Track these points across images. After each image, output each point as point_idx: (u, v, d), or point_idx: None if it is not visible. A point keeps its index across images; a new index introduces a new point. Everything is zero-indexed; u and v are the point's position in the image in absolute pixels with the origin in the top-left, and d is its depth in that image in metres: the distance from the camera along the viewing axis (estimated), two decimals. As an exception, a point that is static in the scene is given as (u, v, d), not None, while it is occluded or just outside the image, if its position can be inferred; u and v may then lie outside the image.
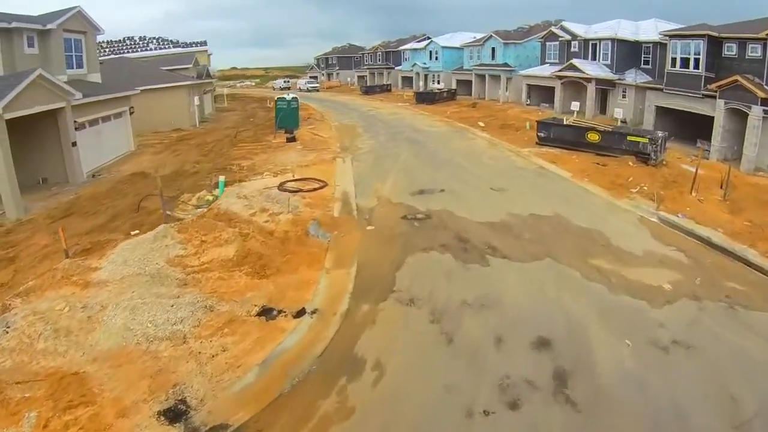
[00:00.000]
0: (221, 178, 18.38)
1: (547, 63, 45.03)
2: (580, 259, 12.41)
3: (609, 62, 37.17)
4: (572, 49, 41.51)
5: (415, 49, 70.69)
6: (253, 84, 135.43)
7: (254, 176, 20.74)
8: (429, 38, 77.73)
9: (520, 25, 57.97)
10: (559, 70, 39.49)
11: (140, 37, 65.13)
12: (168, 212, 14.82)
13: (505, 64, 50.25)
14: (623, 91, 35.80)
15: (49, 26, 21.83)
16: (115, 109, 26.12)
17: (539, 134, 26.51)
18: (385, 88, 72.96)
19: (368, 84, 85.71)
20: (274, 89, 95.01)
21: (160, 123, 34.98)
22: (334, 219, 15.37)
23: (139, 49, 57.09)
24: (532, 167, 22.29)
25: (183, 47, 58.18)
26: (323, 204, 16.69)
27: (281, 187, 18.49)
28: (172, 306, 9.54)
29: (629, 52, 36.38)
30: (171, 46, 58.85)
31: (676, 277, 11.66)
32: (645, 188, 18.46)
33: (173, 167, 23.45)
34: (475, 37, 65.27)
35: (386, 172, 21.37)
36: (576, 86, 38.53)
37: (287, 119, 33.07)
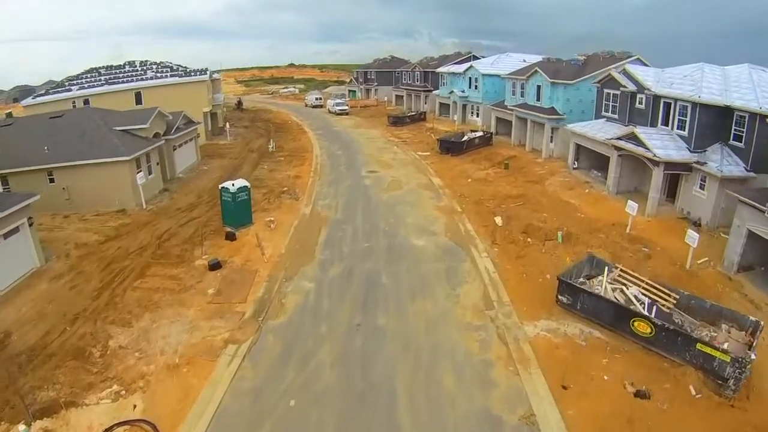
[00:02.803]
0: None
1: (604, 117, 34.82)
2: None
3: (686, 133, 26.79)
4: (637, 104, 31.22)
5: (454, 74, 61.26)
6: (297, 91, 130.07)
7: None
8: (473, 55, 68.32)
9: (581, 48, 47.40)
10: (617, 137, 29.35)
11: (141, 62, 59.87)
12: None
13: (552, 110, 40.24)
14: (701, 180, 25.44)
15: None
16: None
17: (561, 297, 17.22)
18: (418, 118, 64.06)
19: (404, 106, 77.05)
20: (306, 105, 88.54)
21: (100, 202, 29.17)
22: None
23: (135, 79, 51.31)
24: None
25: (182, 75, 51.96)
26: None
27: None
28: None
29: (715, 120, 25.92)
30: (168, 73, 52.78)
31: None
32: None
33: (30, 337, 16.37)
34: (525, 61, 55.57)
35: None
36: (638, 161, 28.34)
37: (236, 215, 25.55)
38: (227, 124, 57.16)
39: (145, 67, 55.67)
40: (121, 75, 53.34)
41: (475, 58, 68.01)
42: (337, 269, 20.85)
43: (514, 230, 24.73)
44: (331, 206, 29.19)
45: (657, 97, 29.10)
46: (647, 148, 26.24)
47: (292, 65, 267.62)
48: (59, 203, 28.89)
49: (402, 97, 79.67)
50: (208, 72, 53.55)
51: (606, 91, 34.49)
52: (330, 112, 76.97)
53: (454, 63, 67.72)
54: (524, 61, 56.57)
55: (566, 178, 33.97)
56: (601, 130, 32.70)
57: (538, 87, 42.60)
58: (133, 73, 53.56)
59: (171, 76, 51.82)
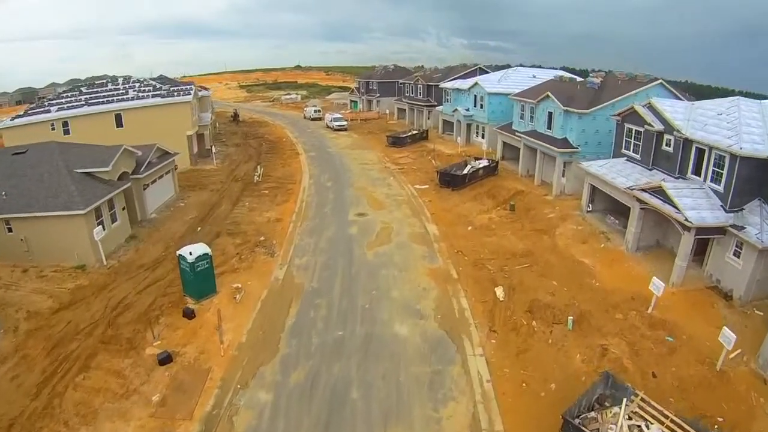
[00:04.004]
0: None
1: (624, 155, 31.32)
2: None
3: (721, 188, 23.27)
4: (664, 146, 27.72)
5: (458, 90, 57.81)
6: (299, 98, 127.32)
7: None
8: (480, 68, 64.85)
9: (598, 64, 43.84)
10: (641, 188, 25.80)
11: (124, 77, 57.23)
12: None
13: (565, 141, 36.75)
14: (737, 246, 21.95)
15: None
16: None
17: (568, 438, 13.86)
18: (419, 137, 60.65)
19: (406, 120, 73.68)
20: (305, 117, 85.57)
21: (59, 255, 26.70)
22: None
23: (116, 99, 48.46)
24: None
25: (164, 96, 48.99)
26: None
27: None
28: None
29: (756, 173, 22.40)
30: (151, 93, 49.88)
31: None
32: None
33: None
34: (535, 77, 52.14)
35: None
36: (663, 218, 24.80)
37: (196, 285, 22.51)
38: (213, 147, 54.05)
39: (127, 86, 52.95)
40: (102, 94, 50.64)
41: (482, 71, 64.64)
42: (300, 373, 17.58)
43: (517, 308, 21.38)
44: (308, 267, 25.90)
45: (688, 141, 25.57)
46: (677, 208, 22.71)
47: (298, 67, 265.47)
48: (19, 254, 26.89)
49: (404, 110, 76.29)
50: (193, 91, 50.54)
51: (627, 126, 30.93)
52: (328, 126, 73.81)
53: (460, 76, 64.41)
54: (534, 77, 53.24)
55: (579, 225, 30.47)
56: (621, 173, 29.21)
57: (550, 114, 39.11)
58: (115, 93, 50.81)
59: (153, 96, 48.91)
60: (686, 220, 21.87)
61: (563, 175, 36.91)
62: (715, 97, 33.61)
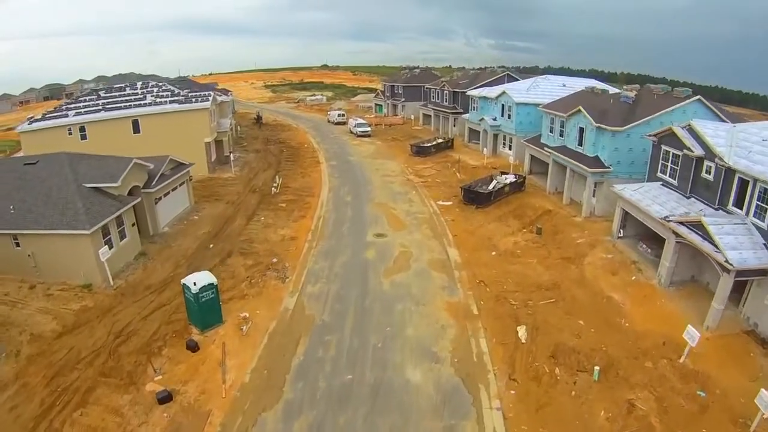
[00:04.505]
0: None
1: (660, 179, 29.73)
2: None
3: (765, 224, 21.62)
4: (703, 173, 26.07)
5: (485, 98, 56.38)
6: (324, 100, 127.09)
7: None
8: (508, 74, 63.26)
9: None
10: (678, 221, 24.23)
11: (142, 82, 57.34)
12: None
13: (596, 160, 35.20)
14: (790, 291, 20.34)
15: None
16: None
17: None
18: (444, 146, 59.42)
19: (431, 126, 72.42)
20: (328, 121, 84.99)
21: (66, 273, 26.50)
22: None
23: (133, 105, 48.46)
24: None
25: (182, 102, 48.75)
26: None
27: None
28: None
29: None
30: (169, 98, 49.70)
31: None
32: None
33: None
34: (565, 86, 50.53)
35: None
36: (700, 254, 23.19)
37: (201, 316, 21.88)
38: (232, 154, 53.72)
39: (145, 90, 53.00)
40: (120, 99, 50.81)
41: (511, 78, 63.10)
42: (303, 423, 16.70)
43: (539, 352, 20.15)
44: (320, 297, 25.01)
45: (730, 170, 23.92)
46: (717, 247, 21.15)
47: (325, 66, 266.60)
48: (26, 269, 26.93)
49: (430, 116, 75.07)
50: (211, 97, 50.24)
51: (665, 148, 29.30)
52: (351, 132, 73.03)
53: (487, 83, 62.92)
54: (564, 85, 51.68)
55: (609, 253, 28.98)
56: (656, 200, 27.64)
57: (581, 129, 37.53)
58: (133, 98, 50.91)
59: (171, 102, 48.77)
60: (727, 261, 20.31)
61: (594, 195, 35.34)
62: (745, 103, 31.64)
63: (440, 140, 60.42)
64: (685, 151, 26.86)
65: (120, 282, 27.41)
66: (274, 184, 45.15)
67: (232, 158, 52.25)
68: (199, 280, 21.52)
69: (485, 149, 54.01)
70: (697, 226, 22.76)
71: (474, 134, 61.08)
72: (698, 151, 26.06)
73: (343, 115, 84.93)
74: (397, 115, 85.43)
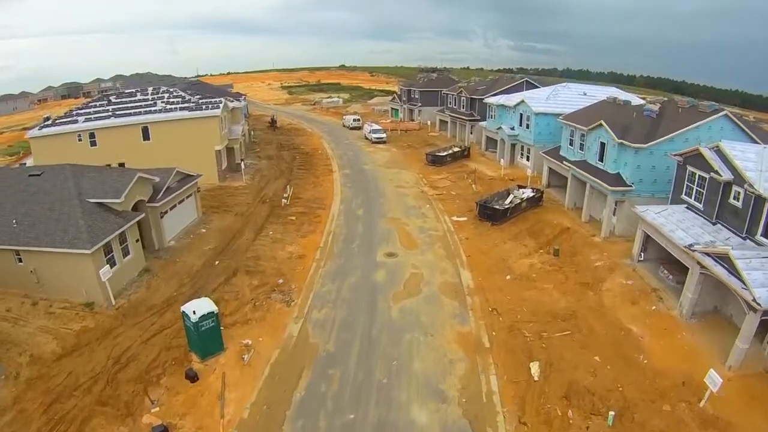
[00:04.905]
0: None
1: (684, 202, 28.61)
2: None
3: (802, 259, 20.47)
4: (731, 199, 24.93)
5: (503, 106, 55.35)
6: (340, 102, 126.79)
7: None
8: (527, 81, 62.15)
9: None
10: (703, 251, 23.11)
11: (153, 89, 57.35)
12: None
13: (617, 177, 34.09)
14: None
15: None
16: None
17: None
18: (460, 155, 58.49)
19: (448, 133, 71.51)
20: (343, 125, 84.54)
21: (67, 290, 26.48)
22: None
23: (143, 111, 48.37)
24: None
25: (192, 109, 48.55)
26: None
27: None
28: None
29: None
30: (179, 105, 49.56)
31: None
32: None
33: None
34: (585, 94, 49.44)
35: None
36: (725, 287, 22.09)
37: (201, 344, 21.41)
38: (243, 162, 53.44)
39: (155, 97, 52.93)
40: (130, 105, 50.82)
41: (530, 84, 61.99)
42: None
43: (552, 392, 19.31)
44: (325, 325, 24.37)
45: (760, 198, 22.80)
46: (743, 283, 20.09)
47: (342, 67, 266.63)
48: (30, 284, 26.92)
49: (446, 122, 74.20)
50: (222, 104, 49.97)
51: (690, 169, 28.17)
52: (366, 138, 72.45)
53: (505, 89, 61.85)
54: (585, 94, 50.53)
55: (629, 279, 27.94)
56: (680, 225, 26.56)
57: (602, 144, 36.43)
58: (143, 103, 50.88)
59: (181, 109, 48.62)
60: (754, 300, 19.24)
61: (614, 214, 34.24)
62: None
63: (456, 149, 59.48)
64: (713, 174, 25.75)
65: (122, 301, 27.16)
66: (285, 195, 44.72)
67: (243, 166, 51.95)
68: (198, 308, 21.05)
69: (502, 160, 53.04)
70: (724, 258, 21.68)
71: (491, 142, 60.09)
72: (726, 175, 24.93)
73: (359, 119, 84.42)
74: (413, 120, 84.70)
